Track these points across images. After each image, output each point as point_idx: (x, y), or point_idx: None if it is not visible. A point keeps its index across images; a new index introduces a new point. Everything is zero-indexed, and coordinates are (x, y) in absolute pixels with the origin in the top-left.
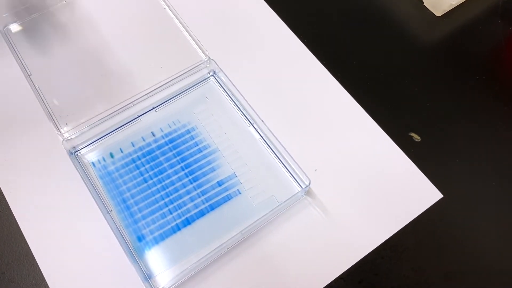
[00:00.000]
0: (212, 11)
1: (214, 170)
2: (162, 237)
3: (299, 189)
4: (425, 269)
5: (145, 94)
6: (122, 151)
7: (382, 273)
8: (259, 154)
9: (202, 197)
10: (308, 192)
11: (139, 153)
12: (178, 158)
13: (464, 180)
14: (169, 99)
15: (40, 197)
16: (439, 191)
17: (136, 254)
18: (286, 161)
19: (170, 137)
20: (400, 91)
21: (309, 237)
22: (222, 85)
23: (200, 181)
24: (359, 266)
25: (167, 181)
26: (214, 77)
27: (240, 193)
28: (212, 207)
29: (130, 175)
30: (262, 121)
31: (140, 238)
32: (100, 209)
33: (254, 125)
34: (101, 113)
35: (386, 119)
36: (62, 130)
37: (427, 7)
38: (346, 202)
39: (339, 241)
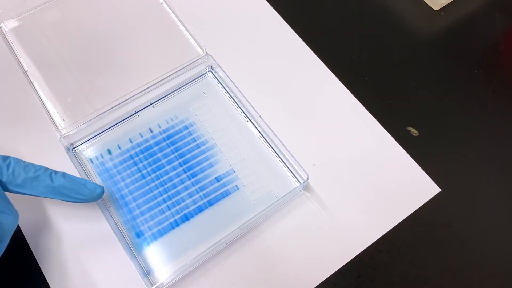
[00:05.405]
0: (209, 6)
1: (212, 166)
2: (161, 233)
3: (297, 184)
4: (423, 263)
5: (143, 90)
6: (120, 148)
7: (380, 267)
8: (257, 150)
9: (200, 193)
10: (306, 187)
11: (137, 149)
12: (176, 154)
13: (462, 174)
14: (167, 95)
15: None
16: (437, 185)
17: (135, 250)
18: (284, 156)
19: (168, 133)
20: (398, 85)
21: (307, 232)
22: (219, 80)
23: (198, 177)
24: (357, 261)
25: (165, 177)
26: (212, 72)
27: (238, 188)
28: (210, 203)
29: (128, 171)
30: (260, 116)
31: (138, 234)
32: (99, 206)
33: (252, 120)
34: (99, 109)
35: (384, 114)
36: (59, 127)
37: (425, 0)
38: (344, 196)
39: (337, 236)
